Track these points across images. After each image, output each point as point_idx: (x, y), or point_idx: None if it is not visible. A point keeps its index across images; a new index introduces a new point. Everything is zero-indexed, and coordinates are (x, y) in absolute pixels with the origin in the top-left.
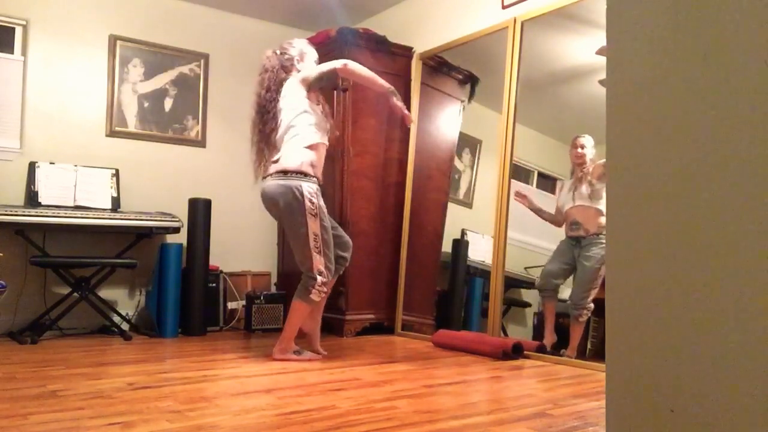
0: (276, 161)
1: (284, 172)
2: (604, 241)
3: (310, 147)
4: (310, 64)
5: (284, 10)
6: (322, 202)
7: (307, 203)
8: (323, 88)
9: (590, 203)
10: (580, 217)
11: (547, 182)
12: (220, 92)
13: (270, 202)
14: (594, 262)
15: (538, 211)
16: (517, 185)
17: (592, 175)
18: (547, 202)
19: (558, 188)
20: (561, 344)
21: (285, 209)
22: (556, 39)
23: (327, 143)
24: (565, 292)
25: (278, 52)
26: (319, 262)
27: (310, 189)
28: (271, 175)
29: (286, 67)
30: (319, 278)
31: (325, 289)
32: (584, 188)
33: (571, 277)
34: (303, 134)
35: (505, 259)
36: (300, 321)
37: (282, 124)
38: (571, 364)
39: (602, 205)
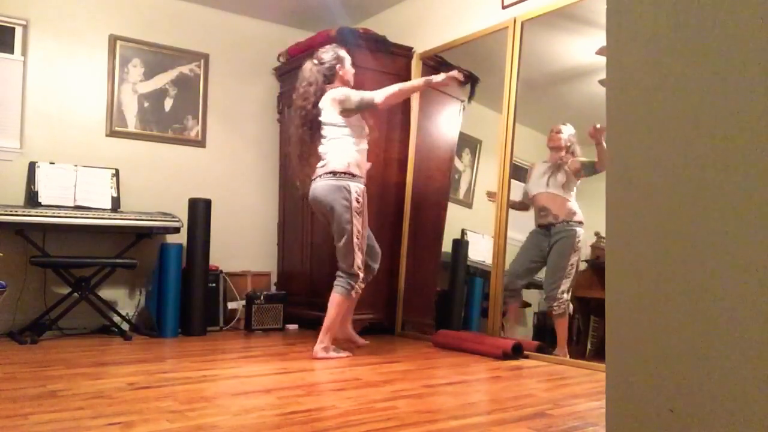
0: (323, 165)
1: (333, 173)
2: (573, 228)
3: (355, 151)
4: (349, 68)
5: (284, 10)
6: (365, 202)
7: (354, 203)
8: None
9: (562, 193)
10: (548, 204)
11: (521, 171)
12: (220, 92)
13: (319, 202)
14: (565, 251)
15: (511, 205)
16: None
17: (570, 166)
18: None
19: (528, 173)
20: (550, 345)
21: (334, 208)
22: (556, 39)
23: (366, 146)
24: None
25: (316, 62)
26: (359, 258)
27: (357, 189)
28: (320, 176)
29: (328, 77)
30: (361, 275)
31: (363, 285)
32: (560, 176)
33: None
34: (346, 140)
35: (505, 259)
36: (340, 316)
37: (326, 135)
38: (571, 364)
39: (573, 197)
